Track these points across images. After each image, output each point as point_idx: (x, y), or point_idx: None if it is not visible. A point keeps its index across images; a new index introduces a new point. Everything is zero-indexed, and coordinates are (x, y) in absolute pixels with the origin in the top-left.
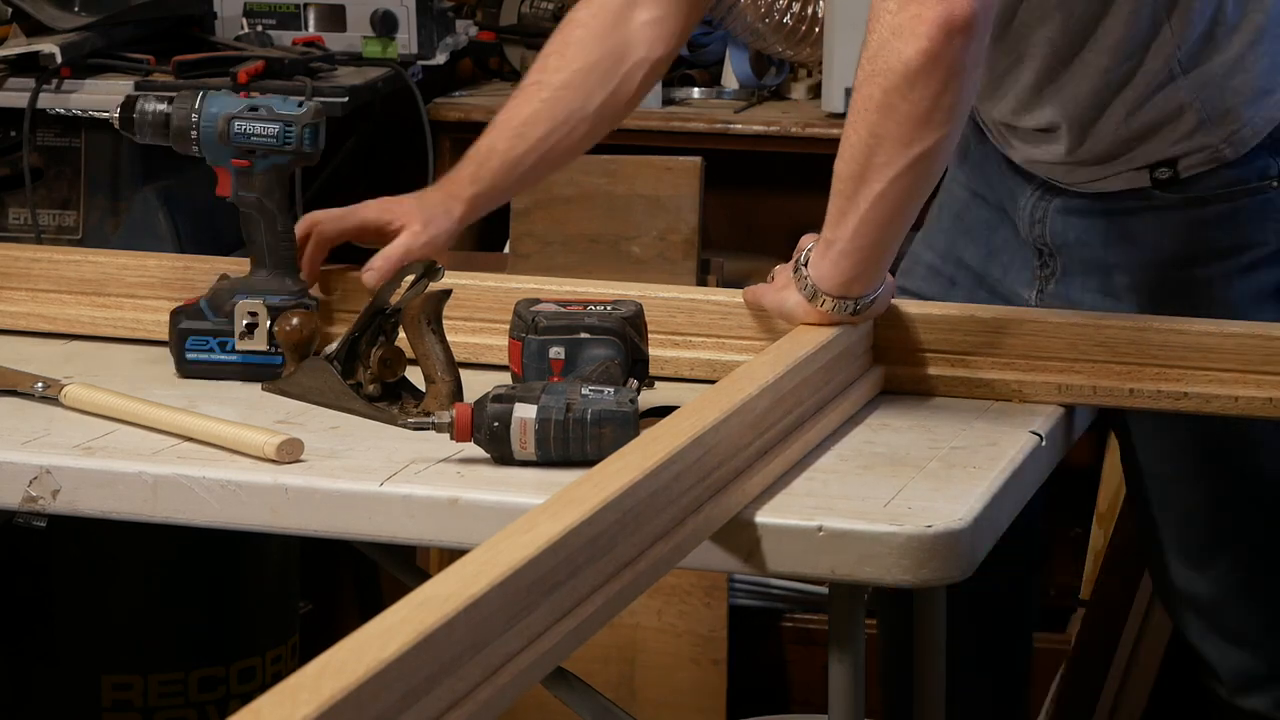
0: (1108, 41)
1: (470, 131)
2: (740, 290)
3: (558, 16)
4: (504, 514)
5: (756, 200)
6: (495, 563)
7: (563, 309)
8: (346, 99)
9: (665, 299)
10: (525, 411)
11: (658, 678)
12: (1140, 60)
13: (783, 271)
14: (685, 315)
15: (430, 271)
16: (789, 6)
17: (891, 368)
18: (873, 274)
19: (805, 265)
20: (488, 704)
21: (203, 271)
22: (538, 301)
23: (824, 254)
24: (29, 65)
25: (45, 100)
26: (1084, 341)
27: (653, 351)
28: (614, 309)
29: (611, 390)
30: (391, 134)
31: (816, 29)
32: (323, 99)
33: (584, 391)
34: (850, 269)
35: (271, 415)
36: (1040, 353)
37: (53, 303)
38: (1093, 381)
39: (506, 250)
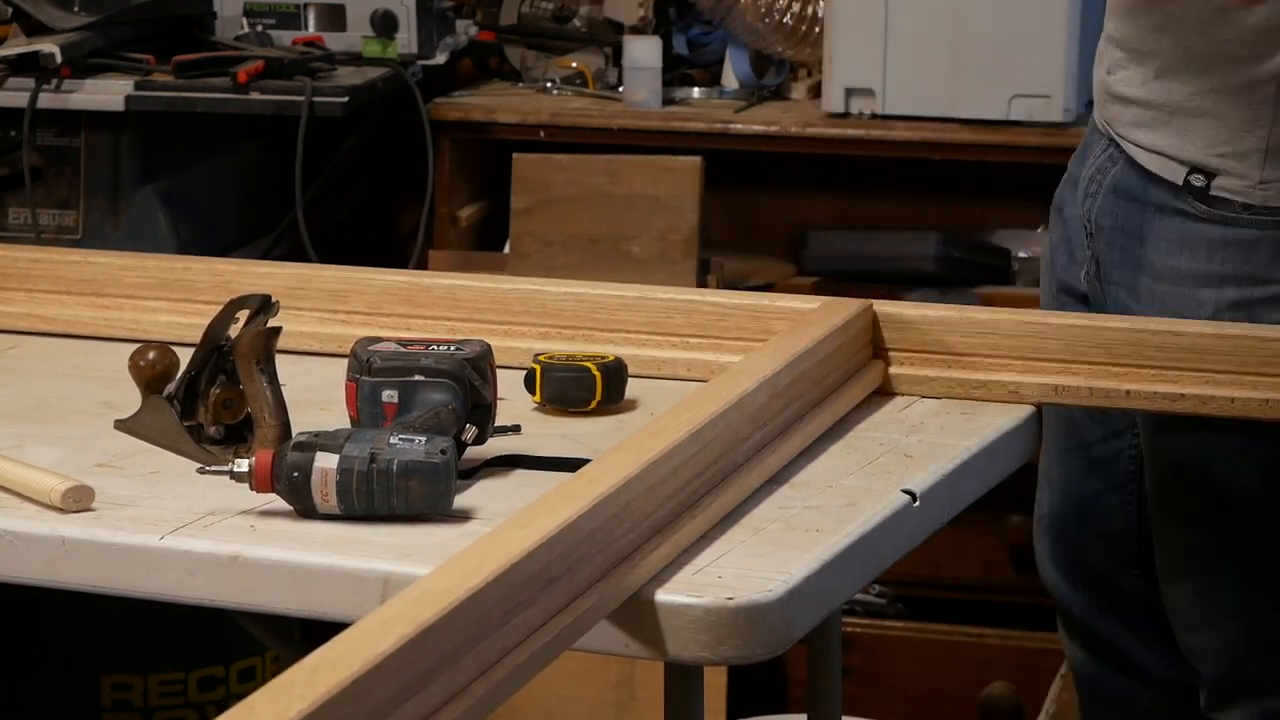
0: None
1: (470, 131)
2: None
3: (558, 16)
4: (288, 574)
5: (756, 200)
6: (492, 557)
7: (402, 349)
8: (346, 99)
9: (663, 300)
10: (327, 461)
11: (658, 677)
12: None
13: None
14: (683, 316)
15: (266, 306)
16: (789, 6)
17: (889, 368)
18: None
19: None
20: (485, 699)
21: (202, 273)
22: (378, 340)
23: None
24: (29, 65)
25: (45, 100)
26: (1081, 342)
27: (651, 352)
28: (457, 350)
29: (423, 439)
30: (391, 134)
31: (816, 29)
32: (323, 99)
33: (393, 440)
34: None
35: (97, 457)
36: (1037, 354)
37: (52, 303)
38: (1089, 383)
39: (506, 250)
